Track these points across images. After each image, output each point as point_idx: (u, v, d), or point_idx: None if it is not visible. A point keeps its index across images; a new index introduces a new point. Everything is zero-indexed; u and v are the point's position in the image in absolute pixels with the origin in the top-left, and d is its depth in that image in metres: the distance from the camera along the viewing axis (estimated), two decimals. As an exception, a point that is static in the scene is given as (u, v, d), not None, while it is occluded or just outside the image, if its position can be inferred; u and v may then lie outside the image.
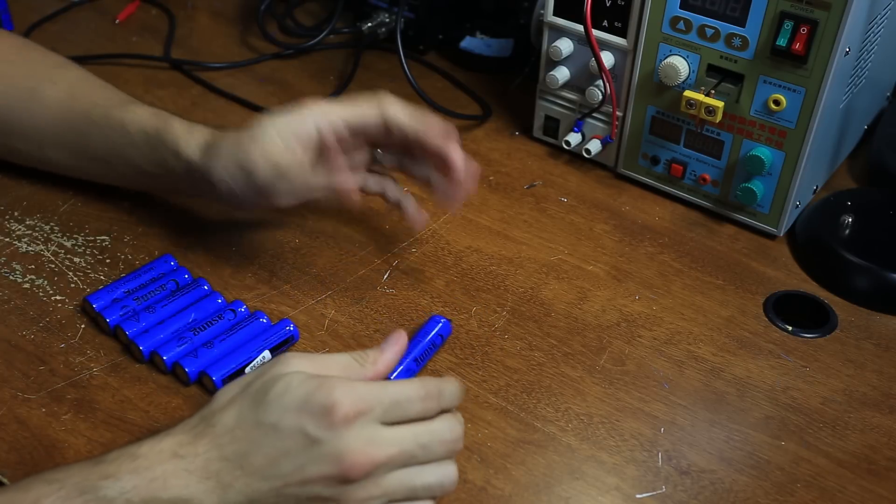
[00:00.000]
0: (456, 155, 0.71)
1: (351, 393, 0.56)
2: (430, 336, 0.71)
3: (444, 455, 0.59)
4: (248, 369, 0.69)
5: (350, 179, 0.72)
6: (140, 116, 0.76)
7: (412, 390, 0.59)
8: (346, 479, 0.55)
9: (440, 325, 0.72)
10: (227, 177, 0.71)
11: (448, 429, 0.59)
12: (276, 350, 0.70)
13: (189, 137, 0.73)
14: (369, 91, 0.72)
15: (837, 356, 0.74)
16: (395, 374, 0.68)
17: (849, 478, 0.65)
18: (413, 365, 0.69)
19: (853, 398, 0.71)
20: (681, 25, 0.80)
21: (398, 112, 0.71)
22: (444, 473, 0.59)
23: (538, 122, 0.95)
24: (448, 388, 0.60)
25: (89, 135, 0.78)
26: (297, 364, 0.58)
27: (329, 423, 0.55)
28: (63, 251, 0.79)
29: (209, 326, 0.71)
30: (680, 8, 0.79)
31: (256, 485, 0.55)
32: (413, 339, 0.70)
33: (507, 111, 1.00)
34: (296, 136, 0.70)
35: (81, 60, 0.91)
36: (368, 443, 0.56)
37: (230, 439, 0.56)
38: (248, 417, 0.56)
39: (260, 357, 0.69)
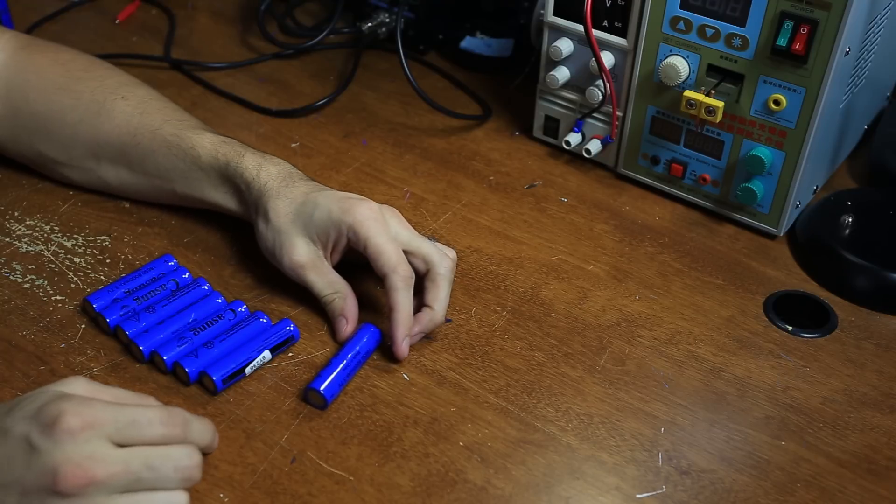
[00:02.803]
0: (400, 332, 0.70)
1: (82, 406, 0.54)
2: (358, 348, 0.70)
3: (178, 483, 0.56)
4: (248, 369, 0.69)
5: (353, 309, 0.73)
6: (211, 142, 0.77)
7: (153, 413, 0.57)
8: (58, 493, 0.53)
9: (369, 334, 0.71)
10: (262, 237, 0.74)
11: (186, 455, 0.57)
12: (277, 350, 0.70)
13: (257, 181, 0.74)
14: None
15: (837, 356, 0.74)
16: (327, 381, 0.67)
17: (849, 478, 0.65)
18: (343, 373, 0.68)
19: (853, 398, 0.71)
20: (681, 25, 0.80)
21: (395, 289, 0.70)
22: (171, 503, 0.56)
23: (538, 122, 0.95)
24: (198, 423, 0.59)
25: (155, 152, 0.78)
26: (74, 384, 0.58)
27: (51, 433, 0.53)
28: (63, 251, 0.79)
29: (209, 326, 0.71)
30: (680, 8, 0.79)
31: None
32: (344, 348, 0.70)
33: (507, 111, 1.00)
34: (324, 245, 0.72)
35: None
36: (88, 458, 0.53)
37: None
38: None
39: (260, 357, 0.69)
